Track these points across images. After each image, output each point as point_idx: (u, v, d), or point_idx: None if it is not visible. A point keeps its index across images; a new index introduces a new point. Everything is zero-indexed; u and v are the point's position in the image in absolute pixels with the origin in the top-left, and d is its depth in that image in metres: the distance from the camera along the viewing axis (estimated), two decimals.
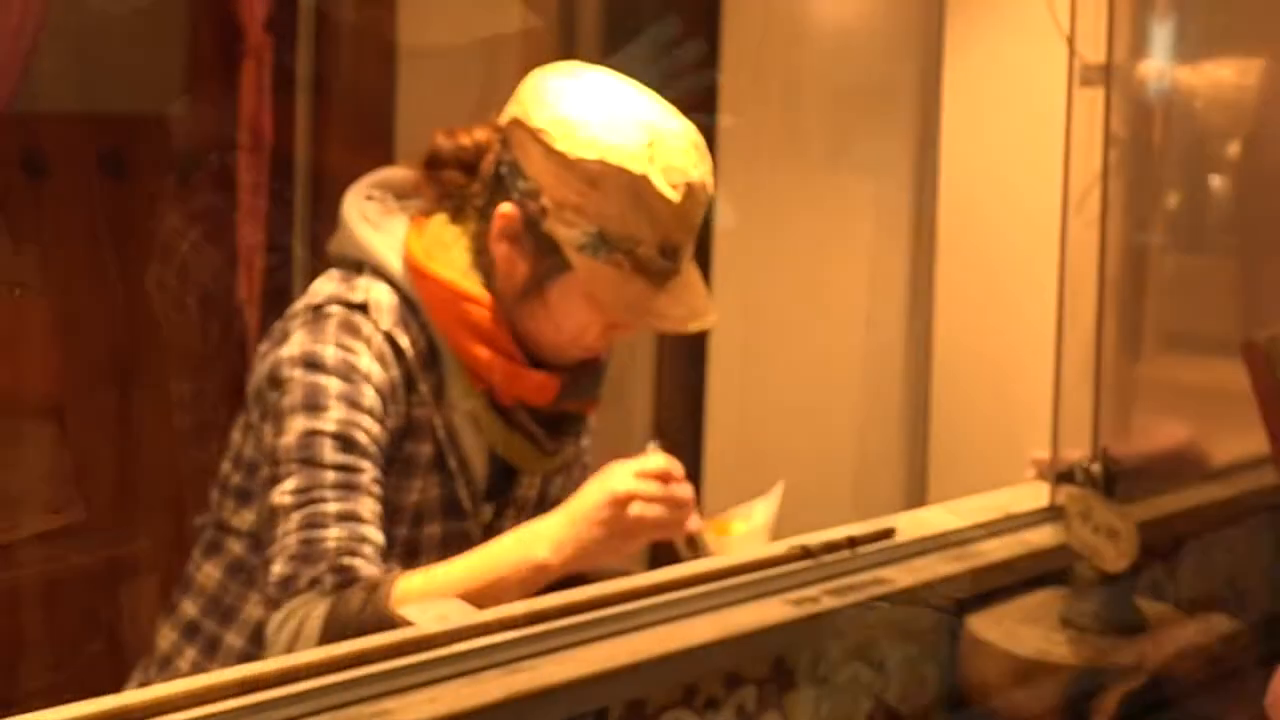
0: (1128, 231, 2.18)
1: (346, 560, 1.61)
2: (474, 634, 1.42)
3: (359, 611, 1.58)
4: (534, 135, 1.71)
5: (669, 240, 1.71)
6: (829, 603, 1.62)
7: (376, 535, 1.65)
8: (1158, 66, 2.28)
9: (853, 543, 1.73)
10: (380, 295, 1.75)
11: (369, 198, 1.84)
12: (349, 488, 1.65)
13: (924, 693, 1.75)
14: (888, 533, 1.79)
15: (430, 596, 1.59)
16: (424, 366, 1.75)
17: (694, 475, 3.68)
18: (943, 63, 3.22)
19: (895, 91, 3.38)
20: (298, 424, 1.66)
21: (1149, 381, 2.33)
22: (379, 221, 1.81)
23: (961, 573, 1.76)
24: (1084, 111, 2.04)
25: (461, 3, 3.57)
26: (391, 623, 1.54)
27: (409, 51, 3.40)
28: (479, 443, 1.79)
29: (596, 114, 1.70)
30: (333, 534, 1.62)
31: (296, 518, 1.63)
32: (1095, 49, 2.05)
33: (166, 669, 1.82)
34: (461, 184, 1.79)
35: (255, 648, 1.77)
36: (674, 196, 1.69)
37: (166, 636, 1.84)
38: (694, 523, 1.73)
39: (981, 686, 1.68)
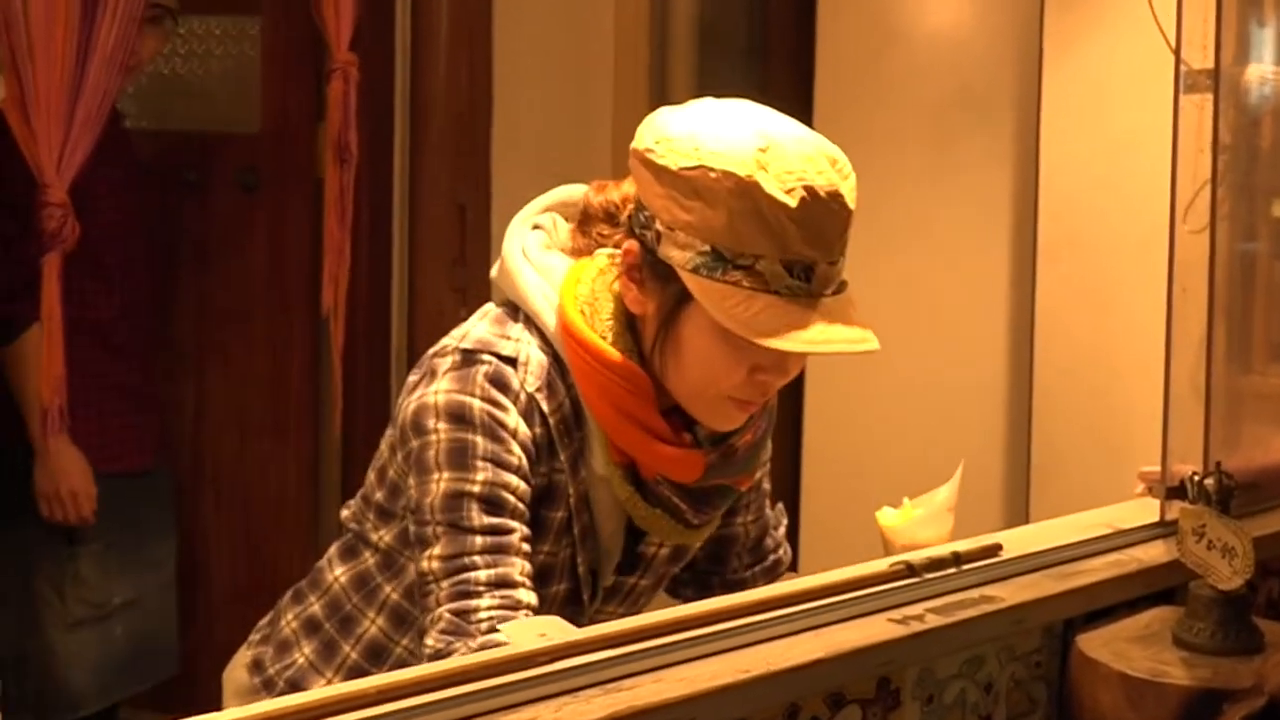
0: (1235, 239, 2.13)
1: (503, 620, 1.56)
2: (573, 652, 1.40)
3: None
4: (643, 159, 1.62)
5: (795, 254, 1.56)
6: (933, 621, 1.58)
7: (530, 597, 1.61)
8: (1264, 72, 2.23)
9: (958, 559, 1.70)
10: (531, 352, 1.68)
11: (537, 226, 1.77)
12: (499, 550, 1.61)
13: (1033, 713, 1.71)
14: (994, 549, 1.76)
15: None
16: (565, 433, 1.69)
17: (792, 492, 3.67)
18: (1042, 68, 3.17)
19: (994, 97, 3.34)
20: (443, 483, 1.62)
21: (1260, 393, 2.28)
22: (539, 259, 1.74)
23: (1070, 590, 1.72)
24: (1188, 117, 2.00)
25: (556, 17, 3.58)
26: None
27: (504, 66, 3.41)
28: (616, 514, 1.73)
29: (704, 125, 1.61)
30: (485, 604, 1.58)
31: (447, 586, 1.59)
32: (1199, 54, 2.00)
33: (284, 656, 1.82)
34: (607, 235, 1.74)
35: (370, 664, 1.77)
36: (789, 201, 1.55)
37: (290, 624, 1.83)
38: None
39: (1092, 708, 1.64)
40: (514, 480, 1.63)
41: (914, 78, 3.44)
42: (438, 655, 1.56)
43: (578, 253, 1.76)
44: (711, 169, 1.57)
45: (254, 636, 1.89)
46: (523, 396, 1.66)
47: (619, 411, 1.67)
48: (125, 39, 2.51)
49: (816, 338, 1.57)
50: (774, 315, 1.57)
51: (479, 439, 1.63)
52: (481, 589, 1.58)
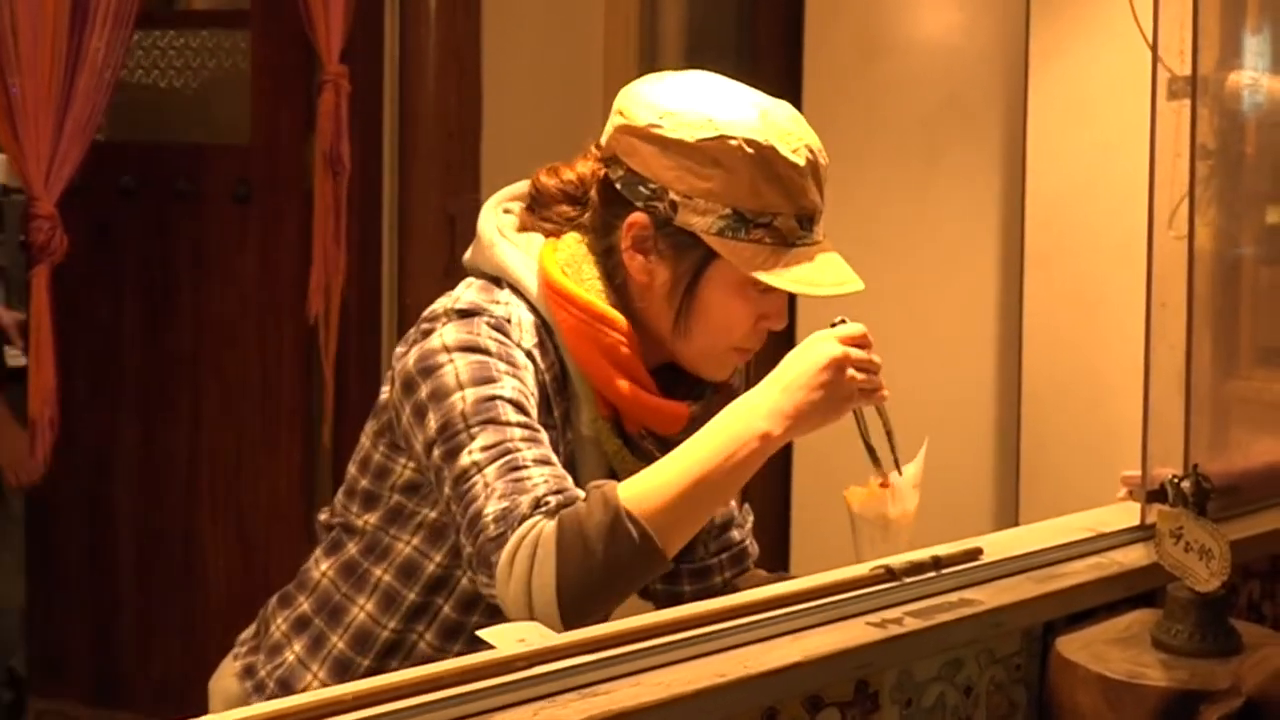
0: (1221, 245, 2.13)
1: (559, 485, 1.58)
2: (551, 657, 1.41)
3: (590, 514, 1.54)
4: (645, 135, 1.70)
5: (804, 208, 1.71)
6: (912, 624, 1.59)
7: (573, 485, 1.62)
8: (1249, 78, 2.24)
9: (938, 563, 1.71)
10: (521, 314, 1.72)
11: (506, 210, 1.82)
12: (536, 441, 1.62)
13: (1012, 716, 1.72)
14: (974, 553, 1.76)
15: (658, 490, 1.57)
16: (557, 391, 1.73)
17: (783, 498, 3.68)
18: (1028, 77, 3.19)
19: (981, 106, 3.35)
20: (470, 394, 1.62)
21: (1244, 397, 2.28)
22: (515, 236, 1.78)
23: (1050, 593, 1.73)
24: (1172, 124, 2.00)
25: (545, 28, 3.59)
26: (625, 519, 1.53)
27: (494, 77, 3.43)
28: (601, 470, 1.76)
29: (701, 98, 1.71)
30: (537, 473, 1.59)
31: (494, 469, 1.59)
32: (1182, 61, 2.01)
33: (275, 657, 1.84)
34: (573, 216, 1.78)
35: (356, 653, 1.78)
36: (799, 160, 1.69)
37: (279, 627, 1.85)
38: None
39: (1071, 710, 1.65)
40: (532, 402, 1.66)
41: (902, 87, 3.45)
42: (503, 515, 1.56)
43: (546, 235, 1.79)
44: (731, 138, 1.68)
45: (240, 648, 1.90)
46: (523, 347, 1.70)
47: (611, 361, 1.72)
48: (114, 50, 2.52)
49: (838, 279, 1.73)
50: (797, 265, 1.70)
51: (497, 360, 1.66)
52: (529, 463, 1.59)
